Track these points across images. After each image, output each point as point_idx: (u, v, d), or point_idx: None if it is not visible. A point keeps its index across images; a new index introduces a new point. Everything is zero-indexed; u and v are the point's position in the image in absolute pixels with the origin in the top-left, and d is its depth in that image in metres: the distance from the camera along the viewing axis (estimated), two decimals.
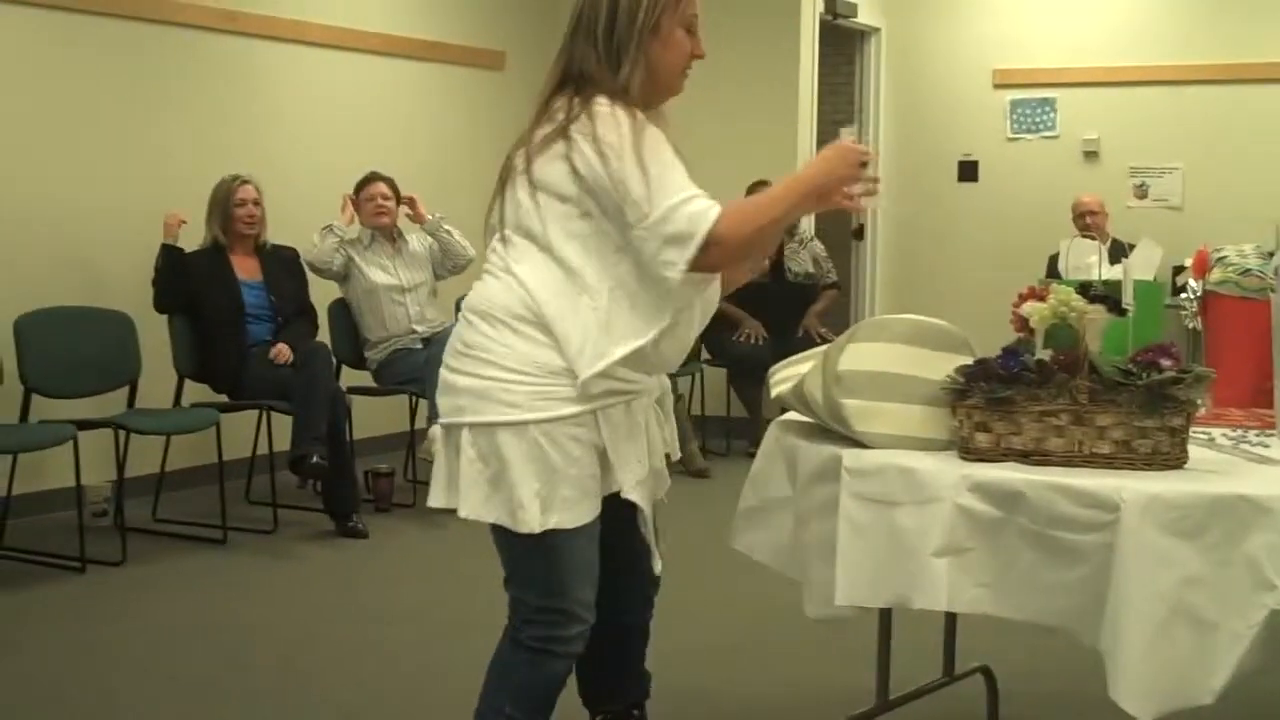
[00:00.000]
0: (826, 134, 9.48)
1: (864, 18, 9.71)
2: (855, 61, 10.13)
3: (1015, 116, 9.61)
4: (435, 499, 3.00)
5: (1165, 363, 2.82)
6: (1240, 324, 3.55)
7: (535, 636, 2.97)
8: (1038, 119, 9.54)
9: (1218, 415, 3.53)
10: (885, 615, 3.61)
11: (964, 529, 2.79)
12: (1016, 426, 2.87)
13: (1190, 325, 3.77)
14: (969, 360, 2.98)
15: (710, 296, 3.00)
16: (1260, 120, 8.83)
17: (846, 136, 2.98)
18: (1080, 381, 2.85)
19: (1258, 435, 3.29)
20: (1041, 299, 3.18)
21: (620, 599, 3.17)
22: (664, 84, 2.97)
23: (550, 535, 2.86)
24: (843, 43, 10.00)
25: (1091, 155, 9.39)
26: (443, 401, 2.97)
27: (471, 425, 2.88)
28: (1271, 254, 3.58)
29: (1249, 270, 3.61)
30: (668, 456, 3.19)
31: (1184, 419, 2.84)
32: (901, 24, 9.90)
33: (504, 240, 2.95)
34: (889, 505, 2.87)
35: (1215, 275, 3.67)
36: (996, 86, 9.63)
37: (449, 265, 7.43)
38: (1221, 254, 3.70)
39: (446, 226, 7.36)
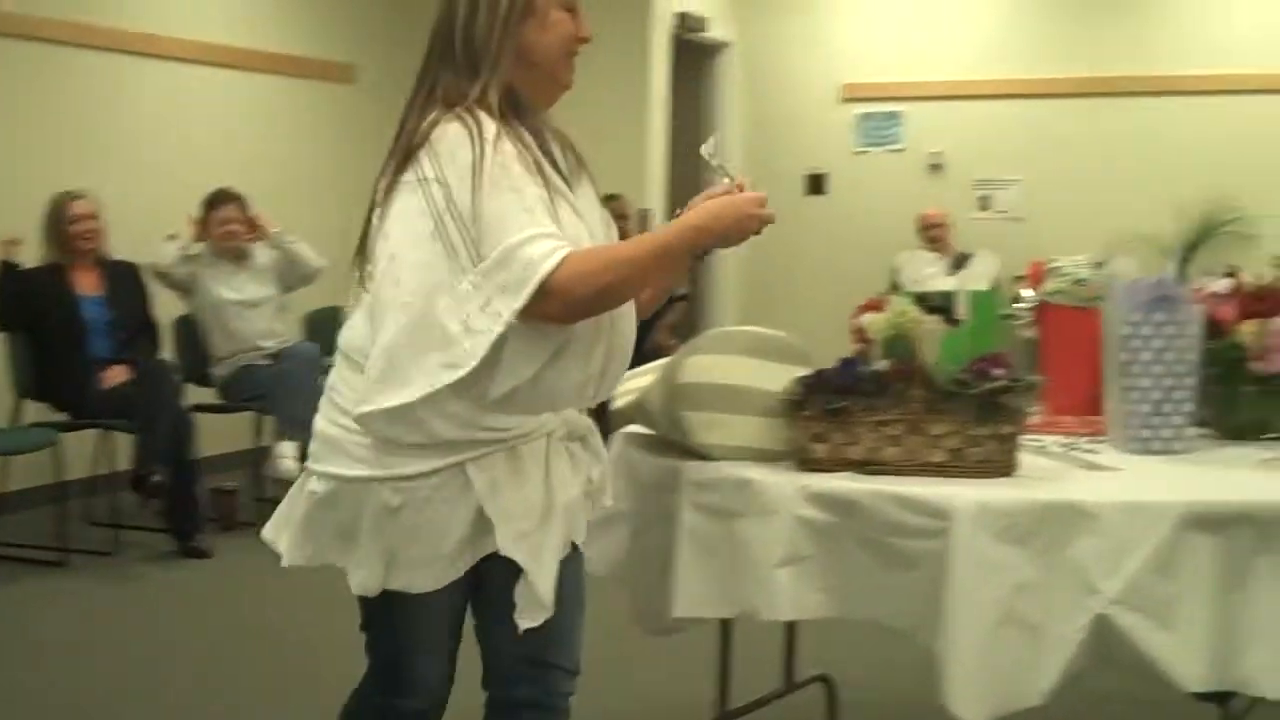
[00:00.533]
0: (678, 149, 9.54)
1: (715, 32, 9.78)
2: (705, 76, 10.18)
3: (862, 130, 9.74)
4: (269, 531, 2.73)
5: (996, 372, 2.87)
6: (1073, 333, 3.62)
7: (372, 705, 2.77)
8: (884, 132, 9.68)
9: (1052, 423, 3.59)
10: (724, 625, 3.63)
11: (803, 538, 2.82)
12: (853, 437, 2.90)
13: (1026, 334, 3.83)
14: (808, 372, 3.01)
15: (622, 327, 2.58)
16: (1099, 134, 9.03)
17: (706, 152, 2.93)
18: (915, 391, 2.89)
19: (1089, 442, 3.36)
20: (880, 310, 3.23)
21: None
22: (547, 75, 2.62)
23: (395, 599, 2.57)
24: (693, 57, 10.06)
25: (937, 168, 9.55)
26: (310, 443, 2.68)
27: (319, 474, 2.60)
28: (1103, 264, 3.66)
29: (1082, 280, 3.69)
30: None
31: (1015, 427, 2.89)
32: (752, 38, 9.98)
33: (367, 276, 2.58)
34: (729, 516, 2.89)
35: (1049, 285, 3.74)
36: (844, 100, 9.75)
37: (296, 277, 7.34)
38: (1056, 264, 3.77)
39: (290, 239, 7.27)
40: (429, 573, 2.55)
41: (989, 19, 9.42)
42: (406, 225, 2.46)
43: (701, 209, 2.61)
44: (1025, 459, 2.99)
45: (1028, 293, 3.81)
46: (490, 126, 2.45)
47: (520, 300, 2.37)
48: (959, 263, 8.60)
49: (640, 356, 2.84)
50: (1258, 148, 8.58)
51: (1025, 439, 3.23)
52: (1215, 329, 3.34)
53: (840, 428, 2.90)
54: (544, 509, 2.57)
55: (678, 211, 2.65)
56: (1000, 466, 2.88)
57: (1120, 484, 2.91)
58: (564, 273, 2.38)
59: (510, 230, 2.39)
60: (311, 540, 2.63)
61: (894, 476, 2.85)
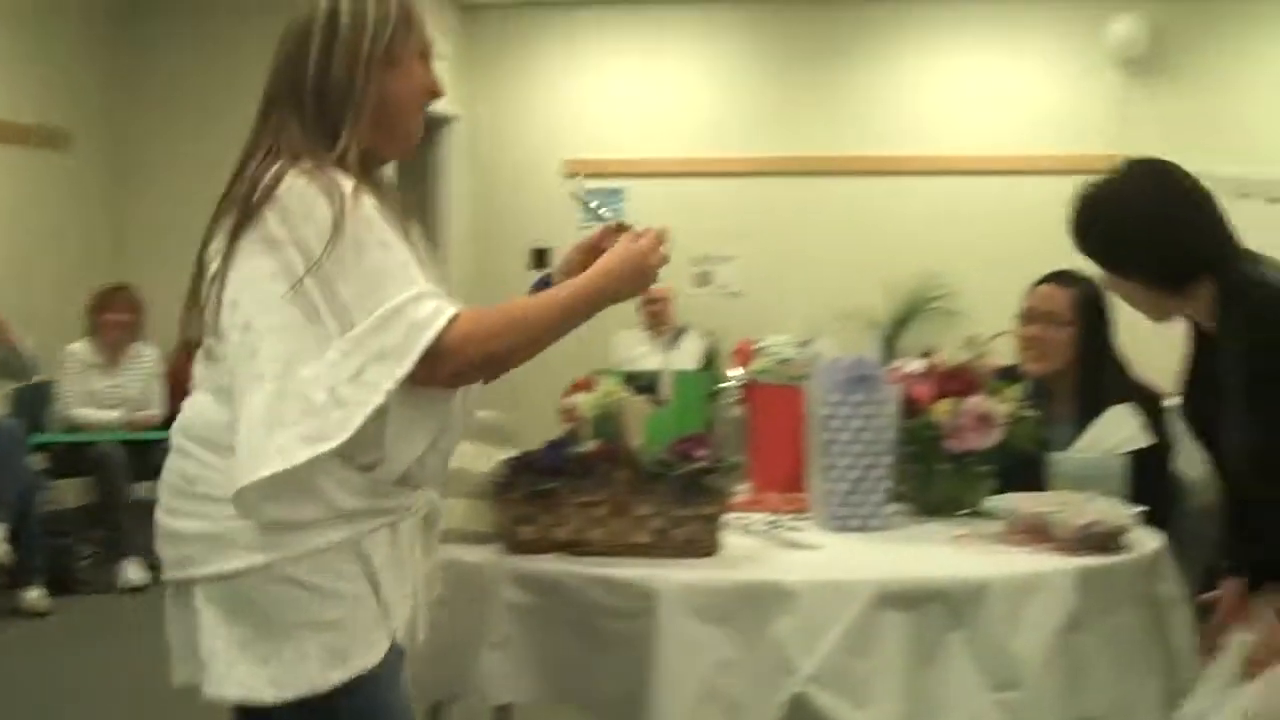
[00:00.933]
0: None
1: (441, 105, 9.76)
2: (432, 149, 10.15)
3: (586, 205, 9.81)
4: (180, 676, 2.40)
5: (699, 453, 2.91)
6: (778, 411, 3.70)
7: None
8: (608, 208, 9.77)
9: (757, 500, 3.66)
10: (434, 710, 3.58)
11: (511, 621, 2.81)
12: (560, 518, 2.91)
13: (734, 413, 3.90)
14: (514, 453, 3.01)
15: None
16: (814, 212, 9.28)
17: (577, 193, 2.90)
18: (620, 473, 2.91)
19: (792, 519, 3.42)
20: (589, 390, 3.25)
21: None
22: (400, 129, 2.43)
23: (349, 691, 2.29)
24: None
25: None
26: (166, 552, 2.37)
27: (206, 579, 2.30)
28: (807, 343, 3.75)
29: (787, 359, 3.77)
30: None
31: (717, 507, 2.93)
32: (477, 113, 10.00)
33: (209, 352, 2.36)
34: (437, 600, 2.86)
35: (756, 364, 3.81)
36: (569, 175, 9.83)
37: (10, 372, 6.94)
38: (762, 343, 3.86)
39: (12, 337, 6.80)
40: (377, 645, 2.33)
41: (707, 99, 9.62)
42: (257, 290, 2.24)
43: (601, 263, 2.49)
44: (729, 538, 3.04)
45: (736, 371, 3.88)
46: (346, 181, 2.26)
47: (404, 367, 2.21)
48: (677, 338, 8.74)
49: None
50: (958, 227, 8.92)
51: (730, 517, 3.28)
52: (912, 408, 3.45)
53: (547, 509, 2.91)
54: (412, 600, 2.44)
55: (543, 273, 2.57)
56: (704, 547, 2.91)
57: (818, 562, 2.97)
58: (454, 334, 2.25)
59: (389, 290, 2.23)
60: (225, 658, 2.27)
61: (601, 558, 2.86)
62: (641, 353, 3.64)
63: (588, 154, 9.74)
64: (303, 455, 2.19)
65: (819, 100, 9.24)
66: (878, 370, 3.33)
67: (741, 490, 3.72)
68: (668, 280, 9.16)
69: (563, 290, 2.46)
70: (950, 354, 3.62)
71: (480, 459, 3.01)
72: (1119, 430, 3.55)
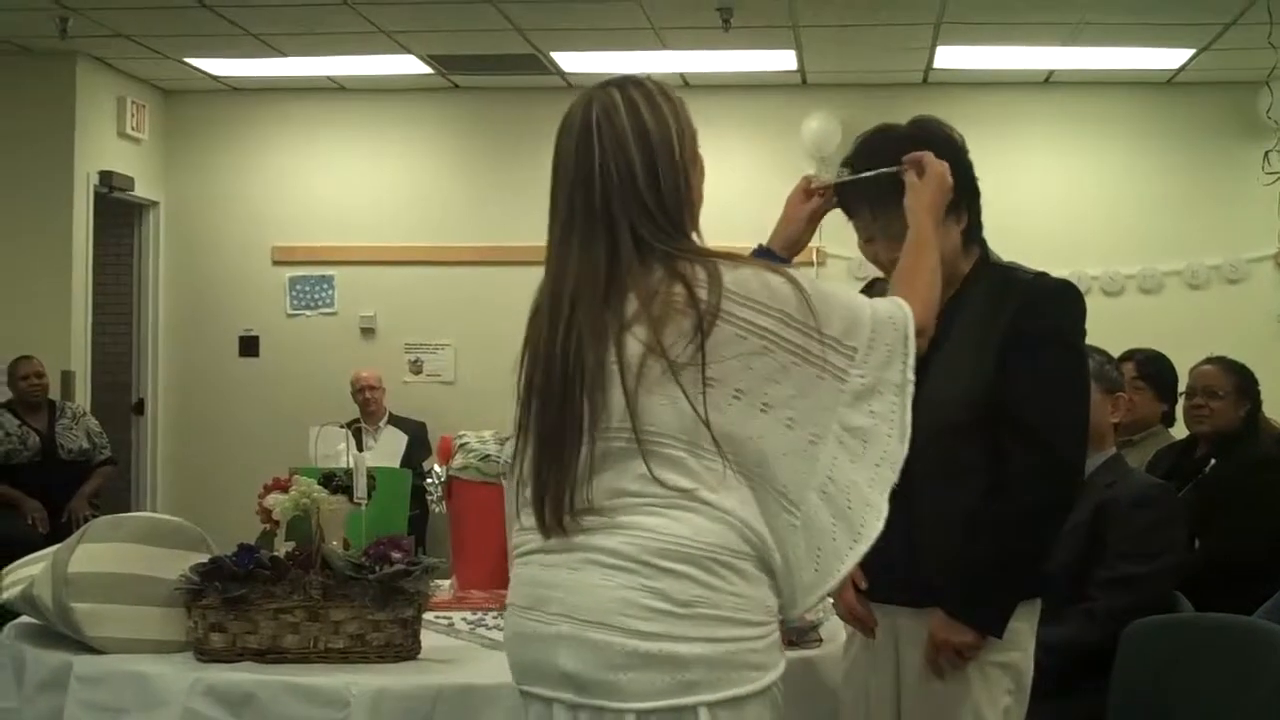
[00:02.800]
0: (100, 309, 9.23)
1: (141, 191, 9.53)
2: (133, 236, 9.89)
3: (295, 293, 9.66)
4: None
5: (396, 555, 2.87)
6: (481, 507, 3.69)
7: None
8: (317, 295, 9.65)
9: (461, 598, 3.64)
10: None
11: None
12: (252, 625, 2.84)
13: (437, 509, 3.88)
14: (205, 558, 2.92)
15: None
16: (525, 299, 9.26)
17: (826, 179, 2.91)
18: (314, 577, 2.85)
19: (495, 617, 3.40)
20: (285, 489, 3.18)
21: None
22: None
23: None
24: (120, 216, 9.75)
25: (369, 331, 9.59)
26: (655, 678, 2.19)
27: (712, 704, 2.19)
28: (507, 440, 3.74)
29: (488, 456, 3.76)
30: None
31: (415, 610, 2.89)
32: (180, 199, 9.77)
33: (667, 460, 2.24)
34: (117, 713, 2.76)
35: (457, 461, 3.79)
36: (276, 263, 9.66)
37: None
38: (464, 440, 3.84)
39: None
40: None
41: (416, 186, 9.57)
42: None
43: (916, 203, 2.67)
44: (430, 640, 3.00)
45: (438, 468, 3.85)
46: None
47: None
48: (378, 433, 8.69)
49: (58, 529, 2.69)
50: None
51: (433, 616, 3.25)
52: None
53: (240, 616, 2.84)
54: None
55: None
56: (403, 650, 2.88)
57: None
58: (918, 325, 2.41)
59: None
60: None
61: (296, 665, 2.80)
62: (340, 450, 3.60)
63: (297, 240, 9.61)
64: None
65: (529, 188, 9.22)
66: None
67: (445, 588, 3.69)
68: (378, 369, 9.12)
69: (917, 239, 2.61)
70: None
71: (169, 565, 2.92)
72: None
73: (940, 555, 2.81)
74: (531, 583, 2.30)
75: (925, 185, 2.70)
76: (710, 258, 2.28)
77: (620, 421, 2.23)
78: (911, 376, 2.31)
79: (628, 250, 2.27)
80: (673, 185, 2.31)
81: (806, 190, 2.91)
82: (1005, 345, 2.81)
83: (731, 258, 2.29)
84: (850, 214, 2.99)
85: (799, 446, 2.25)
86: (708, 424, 2.21)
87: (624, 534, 2.22)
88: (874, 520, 2.27)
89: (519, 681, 2.32)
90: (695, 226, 2.34)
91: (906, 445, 2.31)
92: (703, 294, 2.23)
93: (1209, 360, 5.58)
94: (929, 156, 2.72)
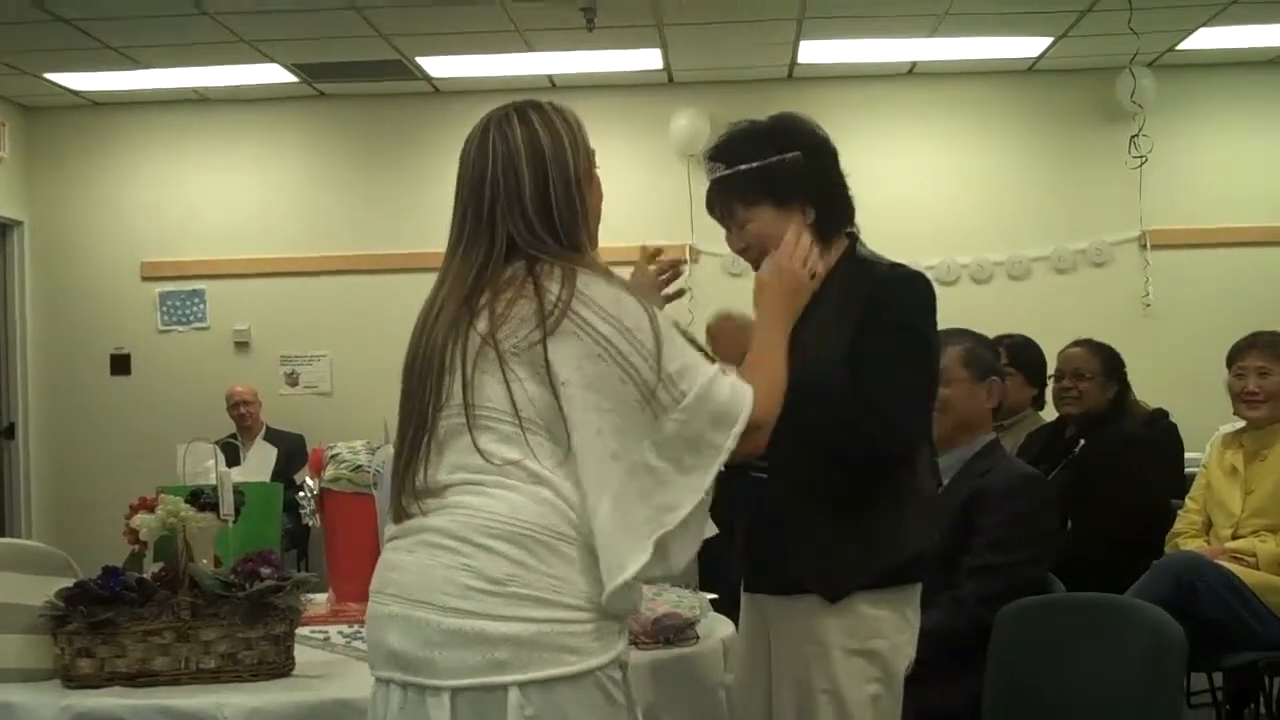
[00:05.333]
0: None
1: (4, 210, 9.34)
2: None
3: (165, 308, 9.51)
4: None
5: (266, 571, 2.84)
6: (354, 518, 3.66)
7: None
8: (188, 310, 9.51)
9: (337, 611, 3.60)
10: None
11: None
12: (121, 649, 2.80)
13: (310, 522, 3.84)
14: (70, 582, 2.87)
15: None
16: (402, 308, 9.16)
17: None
18: (182, 597, 2.81)
19: None
20: (152, 509, 3.13)
21: None
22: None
23: None
24: None
25: (243, 345, 9.46)
26: (465, 656, 2.25)
27: (523, 684, 2.23)
28: (377, 449, 3.72)
29: (360, 466, 3.73)
30: None
31: (287, 626, 2.86)
32: (44, 216, 9.59)
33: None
34: None
35: (329, 472, 3.76)
36: (145, 279, 9.50)
37: None
38: (335, 451, 3.80)
39: None
40: None
41: (287, 196, 9.45)
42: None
43: (763, 298, 2.72)
44: (305, 655, 2.97)
45: (310, 480, 3.81)
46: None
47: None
48: (249, 447, 8.59)
49: None
50: None
51: (310, 631, 3.23)
52: None
53: (107, 640, 2.80)
54: None
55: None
56: (276, 668, 2.84)
57: None
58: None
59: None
60: None
61: (168, 687, 2.76)
62: (209, 466, 3.55)
63: (166, 255, 9.48)
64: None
65: (400, 195, 9.21)
66: None
67: (321, 601, 3.66)
68: (254, 383, 9.01)
69: (767, 334, 2.63)
70: None
71: (33, 591, 2.86)
72: None
73: (804, 544, 2.84)
74: (381, 566, 2.40)
75: (776, 281, 2.76)
76: (575, 264, 2.35)
77: (457, 400, 2.34)
78: (726, 454, 2.33)
79: (499, 255, 2.39)
80: (565, 200, 2.41)
81: (646, 257, 3.03)
82: (856, 332, 2.84)
83: (606, 275, 2.37)
84: (719, 213, 3.02)
85: (601, 456, 2.29)
86: (533, 404, 2.30)
87: (451, 513, 2.31)
88: (635, 559, 2.27)
89: (370, 666, 2.40)
90: (591, 241, 2.45)
91: (700, 509, 2.33)
92: (553, 290, 2.32)
93: (1076, 343, 5.69)
94: (782, 256, 2.78)
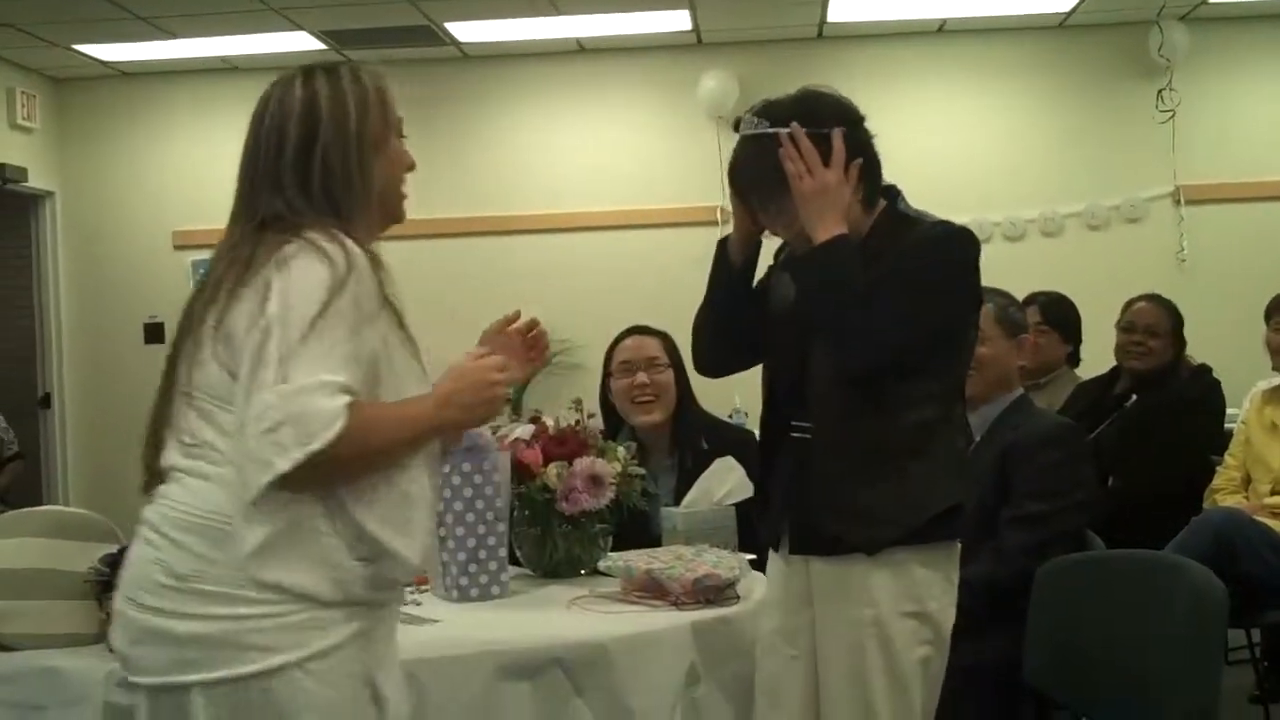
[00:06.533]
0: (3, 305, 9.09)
1: (35, 182, 9.38)
2: (29, 227, 9.73)
3: (198, 277, 9.53)
4: None
5: None
6: None
7: None
8: None
9: None
10: None
11: None
12: None
13: None
14: (114, 549, 2.89)
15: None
16: (425, 274, 9.15)
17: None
18: None
19: (414, 592, 3.38)
20: None
21: None
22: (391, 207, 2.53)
23: None
24: (14, 208, 9.60)
25: None
26: (157, 654, 2.20)
27: (206, 684, 2.15)
28: None
29: None
30: None
31: None
32: (77, 188, 9.62)
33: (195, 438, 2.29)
34: (34, 710, 2.74)
35: None
36: (177, 248, 9.52)
37: None
38: None
39: None
40: None
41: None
42: None
43: (441, 389, 2.39)
44: None
45: None
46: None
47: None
48: None
49: None
50: (570, 282, 9.00)
51: None
52: (523, 473, 3.46)
53: None
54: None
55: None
56: None
57: (437, 637, 2.95)
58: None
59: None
60: None
61: None
62: None
63: (198, 224, 9.46)
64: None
65: (431, 163, 8.93)
66: (486, 439, 3.33)
67: None
68: None
69: (409, 412, 2.31)
70: (561, 416, 3.65)
71: (77, 558, 2.89)
72: (725, 482, 3.62)
73: (842, 499, 2.84)
74: None
75: (821, 193, 2.76)
76: (317, 234, 2.25)
77: (183, 381, 2.31)
78: (278, 469, 2.11)
79: (255, 228, 2.31)
80: (337, 165, 2.33)
81: (501, 324, 2.93)
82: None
83: (334, 240, 2.25)
84: (738, 193, 3.01)
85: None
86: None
87: (157, 503, 2.30)
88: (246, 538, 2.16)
89: None
90: (364, 210, 2.36)
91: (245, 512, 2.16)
92: (266, 269, 2.22)
93: (1146, 298, 5.64)
94: (817, 169, 2.77)
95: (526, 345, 2.82)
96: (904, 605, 2.82)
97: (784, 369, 2.97)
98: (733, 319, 3.05)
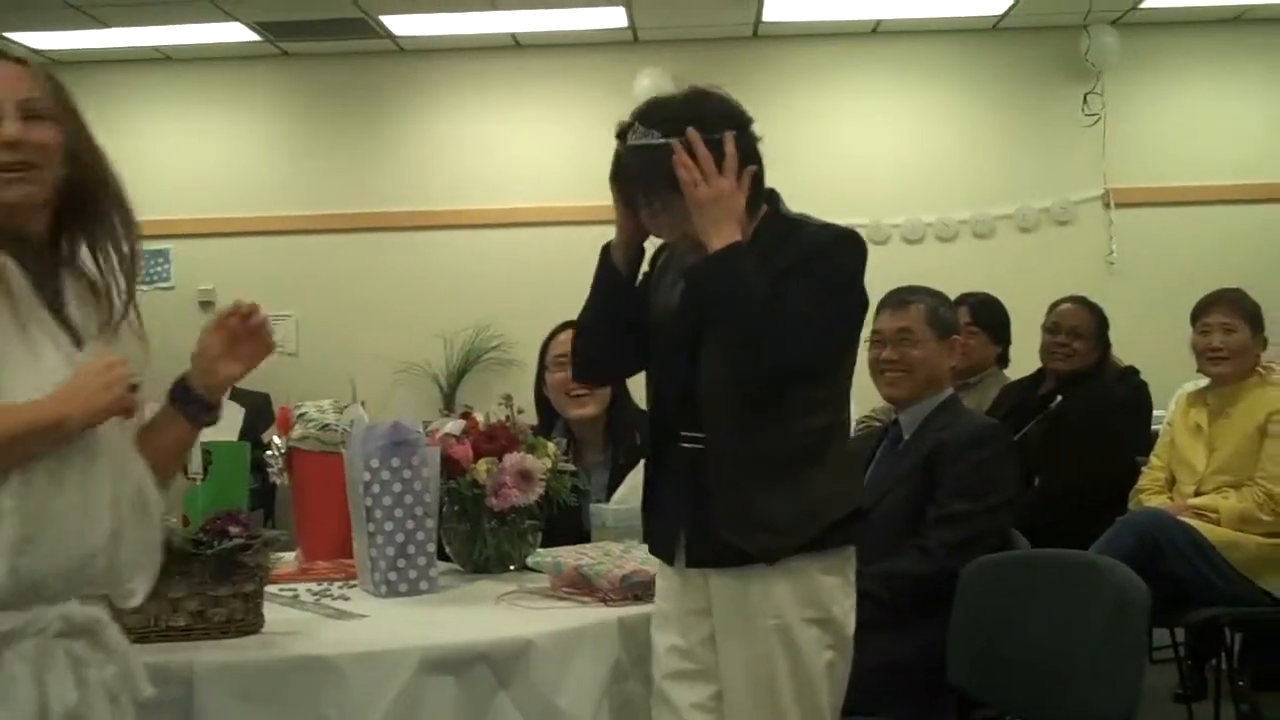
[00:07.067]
0: None
1: None
2: None
3: None
4: None
5: (234, 529, 2.83)
6: (322, 477, 3.66)
7: None
8: (153, 270, 9.42)
9: (306, 569, 3.61)
10: None
11: None
12: None
13: (277, 481, 3.84)
14: None
15: (136, 478, 2.34)
16: (367, 267, 9.18)
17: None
18: None
19: (341, 587, 3.39)
20: None
21: None
22: None
23: None
24: None
25: (208, 305, 9.37)
26: None
27: None
28: (345, 409, 3.72)
29: (328, 425, 3.73)
30: None
31: (256, 584, 2.87)
32: None
33: None
34: None
35: (296, 431, 3.76)
36: None
37: None
38: (302, 410, 3.80)
39: None
40: None
41: (251, 156, 9.41)
42: None
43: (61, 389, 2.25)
44: (274, 613, 2.98)
45: (278, 439, 3.82)
46: None
47: None
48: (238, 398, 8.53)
49: None
50: (508, 277, 9.00)
51: (278, 589, 3.23)
52: (453, 468, 3.46)
53: None
54: None
55: None
56: (245, 625, 2.85)
57: (364, 632, 2.95)
58: None
59: None
60: None
61: (137, 644, 2.73)
62: None
63: None
64: None
65: (364, 154, 9.18)
66: (416, 434, 3.33)
67: (290, 560, 3.67)
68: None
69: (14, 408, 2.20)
70: (491, 412, 3.65)
71: None
72: None
73: (739, 510, 2.81)
74: None
75: (714, 200, 2.74)
76: None
77: None
78: None
79: None
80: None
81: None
82: (777, 276, 2.78)
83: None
84: (625, 198, 2.99)
85: None
86: None
87: None
88: None
89: None
90: None
91: None
92: None
93: (1071, 299, 5.71)
94: (712, 176, 2.75)
95: (247, 333, 2.68)
96: (807, 612, 2.80)
97: (671, 378, 2.93)
98: (619, 326, 3.00)
